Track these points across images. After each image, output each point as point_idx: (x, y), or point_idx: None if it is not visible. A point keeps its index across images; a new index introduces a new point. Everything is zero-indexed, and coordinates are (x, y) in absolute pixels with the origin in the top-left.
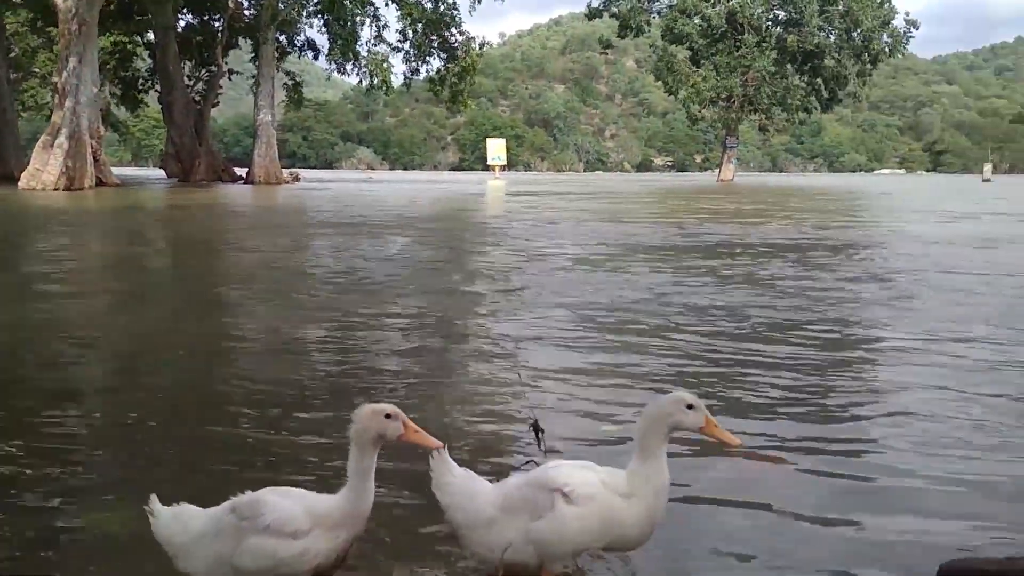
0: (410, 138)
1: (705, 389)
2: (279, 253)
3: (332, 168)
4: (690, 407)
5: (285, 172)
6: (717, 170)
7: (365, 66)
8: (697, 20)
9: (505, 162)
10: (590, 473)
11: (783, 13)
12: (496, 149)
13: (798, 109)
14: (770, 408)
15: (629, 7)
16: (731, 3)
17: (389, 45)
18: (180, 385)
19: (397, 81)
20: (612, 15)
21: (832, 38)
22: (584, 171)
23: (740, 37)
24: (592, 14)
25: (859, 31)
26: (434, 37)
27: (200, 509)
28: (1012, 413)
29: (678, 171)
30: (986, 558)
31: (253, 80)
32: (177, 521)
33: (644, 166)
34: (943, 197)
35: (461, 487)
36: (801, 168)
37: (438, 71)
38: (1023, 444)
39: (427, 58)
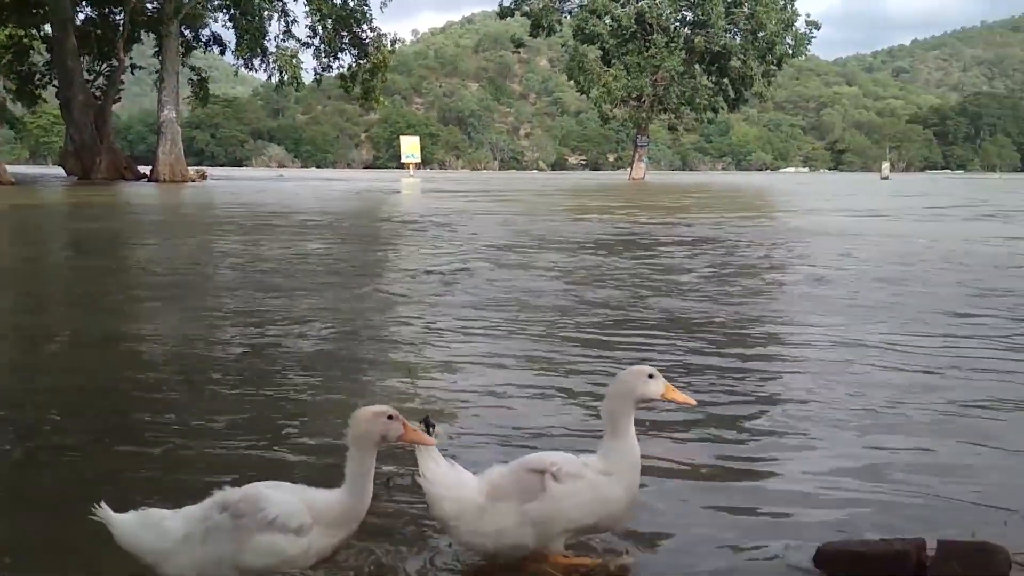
0: (323, 135)
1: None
2: (175, 255)
3: (242, 166)
4: (650, 376)
5: (191, 170)
6: (629, 168)
7: (274, 62)
8: (607, 20)
9: (419, 160)
10: (571, 455)
11: (691, 15)
12: (410, 147)
13: (706, 109)
14: None
15: (541, 6)
16: (640, 4)
17: (298, 41)
18: (74, 386)
19: (308, 77)
20: (524, 14)
21: (738, 39)
22: (499, 169)
23: (649, 38)
24: (504, 13)
25: (763, 33)
26: (345, 33)
27: (169, 511)
28: (885, 395)
29: (592, 169)
30: (862, 540)
31: (157, 75)
32: (149, 527)
33: (559, 164)
34: (836, 194)
35: (448, 478)
36: (710, 166)
37: (349, 68)
38: (897, 428)
39: (338, 54)
